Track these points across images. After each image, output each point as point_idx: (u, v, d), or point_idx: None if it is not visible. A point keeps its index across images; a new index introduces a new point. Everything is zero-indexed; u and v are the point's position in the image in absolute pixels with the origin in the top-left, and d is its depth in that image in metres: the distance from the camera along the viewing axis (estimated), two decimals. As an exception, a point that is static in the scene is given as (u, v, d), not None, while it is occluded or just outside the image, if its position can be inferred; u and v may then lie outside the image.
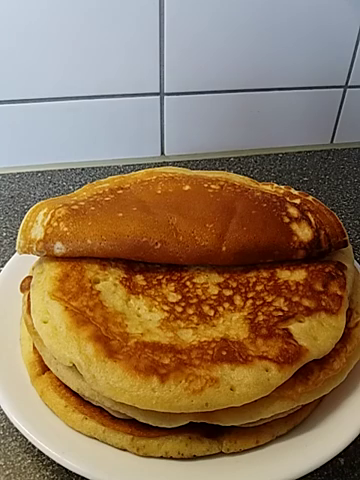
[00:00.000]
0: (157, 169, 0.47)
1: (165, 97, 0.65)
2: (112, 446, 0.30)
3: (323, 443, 0.29)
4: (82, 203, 0.39)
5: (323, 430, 0.30)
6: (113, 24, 0.58)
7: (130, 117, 0.66)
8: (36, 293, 0.34)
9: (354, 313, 0.35)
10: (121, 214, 0.38)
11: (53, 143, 0.65)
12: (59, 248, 0.36)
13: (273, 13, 0.62)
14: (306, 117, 0.72)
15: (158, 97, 0.65)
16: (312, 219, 0.38)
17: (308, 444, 0.30)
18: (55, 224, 0.36)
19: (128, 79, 0.63)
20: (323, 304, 0.33)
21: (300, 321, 0.32)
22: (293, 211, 0.38)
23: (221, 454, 0.29)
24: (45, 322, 0.32)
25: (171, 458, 0.29)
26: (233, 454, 0.29)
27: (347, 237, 0.37)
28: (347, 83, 0.70)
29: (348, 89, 0.71)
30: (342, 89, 0.71)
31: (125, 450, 0.29)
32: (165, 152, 0.71)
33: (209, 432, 0.30)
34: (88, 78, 0.62)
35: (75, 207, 0.38)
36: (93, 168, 0.67)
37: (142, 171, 0.46)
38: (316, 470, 0.29)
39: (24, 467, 0.32)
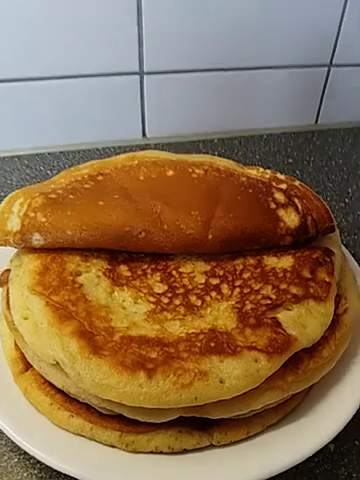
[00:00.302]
0: (139, 153, 0.45)
1: (145, 76, 0.63)
2: (100, 443, 0.29)
3: (314, 431, 0.29)
4: (60, 191, 0.37)
5: (314, 418, 0.30)
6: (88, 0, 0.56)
7: (109, 98, 0.64)
8: (15, 288, 0.33)
9: (342, 299, 0.35)
10: (102, 202, 0.36)
11: (29, 126, 0.63)
12: (37, 240, 0.34)
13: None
14: (290, 97, 0.71)
15: (137, 77, 0.63)
16: (299, 205, 0.37)
17: (299, 433, 0.29)
18: (32, 214, 0.35)
19: (106, 58, 0.60)
20: (311, 291, 0.33)
21: (288, 309, 0.32)
22: (279, 197, 0.38)
23: (212, 447, 0.29)
24: (26, 318, 0.31)
25: (161, 453, 0.29)
26: (224, 446, 0.29)
27: (334, 222, 0.37)
28: (331, 62, 0.69)
29: (332, 68, 0.69)
30: (326, 68, 0.69)
31: (114, 447, 0.29)
32: (147, 134, 0.69)
33: (199, 425, 0.29)
34: (64, 58, 0.59)
35: (53, 196, 0.36)
36: (72, 152, 0.65)
37: (123, 155, 0.45)
38: (306, 457, 0.29)
39: (11, 466, 0.31)
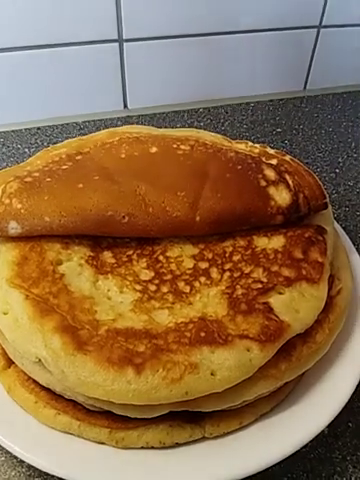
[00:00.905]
0: (119, 129, 0.43)
1: (124, 44, 0.59)
2: (89, 440, 0.28)
3: (309, 418, 0.29)
4: (36, 174, 0.35)
5: (308, 404, 0.30)
6: None
7: (87, 67, 0.60)
8: (-8, 281, 0.31)
9: (336, 280, 0.34)
10: (81, 185, 0.34)
11: (2, 101, 0.59)
12: (14, 228, 0.32)
13: None
14: (277, 62, 0.68)
15: (117, 44, 0.59)
16: (290, 181, 0.35)
17: (294, 420, 0.29)
18: (7, 201, 0.33)
19: (82, 25, 0.56)
20: (304, 273, 0.32)
21: (280, 293, 0.31)
22: (270, 173, 0.36)
23: (204, 439, 0.28)
24: (5, 313, 0.29)
25: (152, 448, 0.28)
26: (216, 438, 0.28)
27: (327, 199, 0.35)
28: (321, 23, 0.65)
29: (322, 29, 0.66)
30: (315, 29, 0.66)
31: (103, 444, 0.28)
32: (128, 105, 0.65)
33: (190, 418, 0.28)
34: (37, 25, 0.54)
35: (28, 179, 0.34)
36: (50, 126, 0.61)
37: (103, 132, 0.42)
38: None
39: (-3, 465, 0.30)
